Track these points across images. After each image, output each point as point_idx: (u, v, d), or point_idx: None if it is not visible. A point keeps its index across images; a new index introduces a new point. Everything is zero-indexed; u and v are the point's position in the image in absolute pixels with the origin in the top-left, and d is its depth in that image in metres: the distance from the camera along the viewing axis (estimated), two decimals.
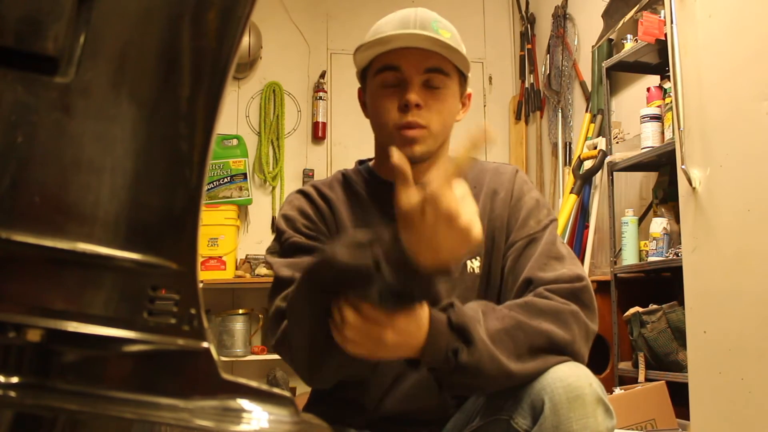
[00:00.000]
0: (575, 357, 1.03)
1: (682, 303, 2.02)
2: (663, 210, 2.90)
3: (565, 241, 3.60)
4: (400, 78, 1.12)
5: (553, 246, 1.16)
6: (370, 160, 1.30)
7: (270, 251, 1.19)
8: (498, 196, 1.22)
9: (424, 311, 0.94)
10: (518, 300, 1.07)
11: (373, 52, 1.13)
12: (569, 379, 0.96)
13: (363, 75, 1.21)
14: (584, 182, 3.63)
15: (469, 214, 0.84)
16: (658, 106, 2.88)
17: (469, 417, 1.12)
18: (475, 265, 1.19)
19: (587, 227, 3.60)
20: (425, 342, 0.93)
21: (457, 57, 1.13)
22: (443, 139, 1.17)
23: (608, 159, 3.22)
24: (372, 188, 1.23)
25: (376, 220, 1.18)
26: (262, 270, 3.99)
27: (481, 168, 1.27)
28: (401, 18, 1.15)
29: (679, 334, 2.57)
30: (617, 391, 2.65)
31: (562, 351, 1.01)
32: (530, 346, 0.99)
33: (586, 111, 3.80)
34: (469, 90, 1.24)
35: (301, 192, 1.23)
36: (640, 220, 3.12)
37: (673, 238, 2.76)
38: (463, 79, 1.19)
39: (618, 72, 3.39)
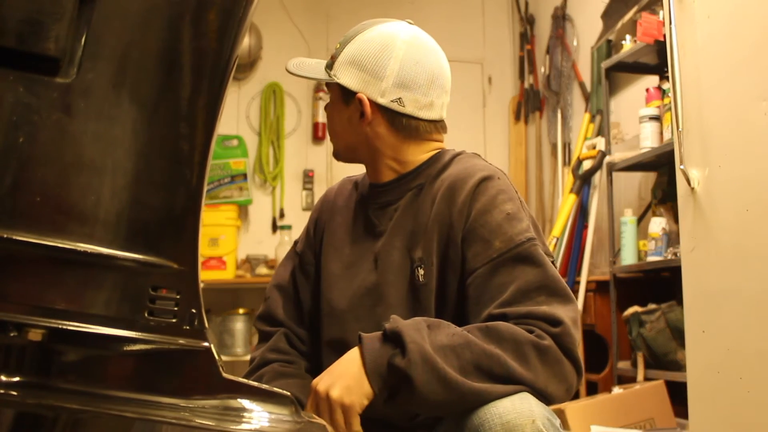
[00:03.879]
0: (537, 396, 0.96)
1: (680, 302, 2.02)
2: (662, 210, 2.90)
3: (564, 241, 3.59)
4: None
5: (535, 277, 1.02)
6: None
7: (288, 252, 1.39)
8: (455, 203, 1.11)
9: (350, 353, 1.00)
10: (480, 324, 1.00)
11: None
12: (509, 416, 0.90)
13: None
14: (583, 182, 3.64)
15: None
16: (657, 107, 2.88)
17: None
18: (420, 273, 1.12)
19: (586, 227, 3.60)
20: (366, 370, 0.97)
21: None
22: (344, 143, 1.24)
23: (607, 159, 3.22)
24: (363, 188, 1.30)
25: (356, 219, 1.26)
26: (262, 270, 4.00)
27: (458, 164, 1.18)
28: None
29: (677, 333, 2.57)
30: (616, 390, 2.65)
31: (517, 384, 0.95)
32: (477, 366, 0.94)
33: (586, 111, 3.81)
34: (359, 94, 1.17)
35: (323, 197, 1.37)
36: (639, 220, 3.12)
37: (672, 238, 2.76)
38: (345, 90, 1.21)
39: (617, 72, 3.39)
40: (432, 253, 1.12)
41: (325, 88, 1.28)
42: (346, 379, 0.96)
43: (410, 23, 1.22)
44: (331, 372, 0.99)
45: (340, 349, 1.06)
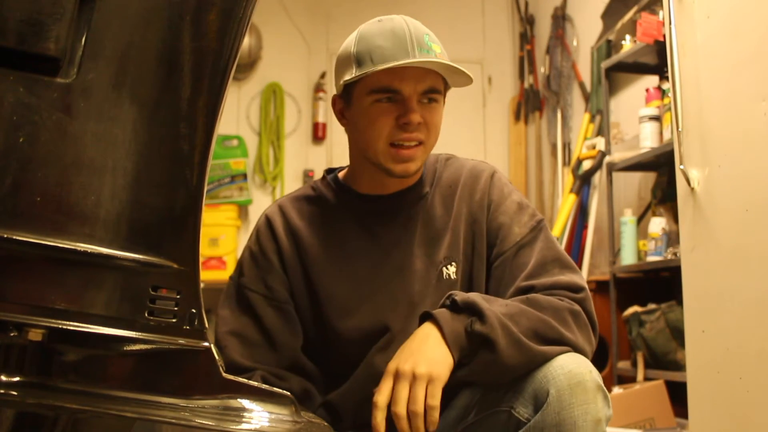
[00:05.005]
0: (581, 352, 1.04)
1: (680, 302, 2.02)
2: (662, 210, 2.90)
3: (564, 241, 3.60)
4: (397, 97, 1.11)
5: (548, 252, 1.13)
6: (337, 169, 1.27)
7: (226, 294, 1.20)
8: (474, 199, 1.19)
9: (422, 328, 1.01)
10: (519, 296, 1.08)
11: (367, 71, 1.09)
12: (570, 365, 0.98)
13: (346, 86, 1.15)
14: (583, 182, 3.64)
15: None
16: (656, 107, 2.88)
17: (463, 413, 1.11)
18: (450, 270, 1.17)
19: (586, 227, 3.61)
20: (447, 340, 0.99)
21: (459, 78, 1.12)
22: (432, 149, 1.18)
23: (607, 159, 3.23)
24: (348, 202, 1.21)
25: (352, 235, 1.19)
26: None
27: (457, 164, 1.24)
28: (395, 35, 1.10)
29: (677, 333, 2.57)
30: (616, 390, 2.65)
31: (565, 345, 1.03)
32: (535, 331, 1.01)
33: (585, 111, 3.81)
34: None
35: (268, 223, 1.22)
36: (639, 220, 3.12)
37: (672, 238, 2.76)
38: (446, 89, 1.18)
39: (617, 72, 3.40)
40: (459, 250, 1.17)
41: (435, 93, 1.14)
42: (427, 353, 0.98)
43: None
44: (409, 350, 1.00)
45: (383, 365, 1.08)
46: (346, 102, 1.17)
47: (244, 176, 4.13)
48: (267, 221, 1.22)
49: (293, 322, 1.17)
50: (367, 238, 1.18)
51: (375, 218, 1.19)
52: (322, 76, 4.40)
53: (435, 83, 1.12)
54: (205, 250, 3.83)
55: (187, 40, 0.68)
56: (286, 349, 1.15)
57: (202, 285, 0.73)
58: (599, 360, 3.14)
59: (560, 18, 4.17)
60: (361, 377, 1.15)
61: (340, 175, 1.25)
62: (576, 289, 1.10)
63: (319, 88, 4.38)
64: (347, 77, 1.12)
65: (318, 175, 4.35)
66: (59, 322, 0.66)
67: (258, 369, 1.12)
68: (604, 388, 0.99)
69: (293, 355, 1.16)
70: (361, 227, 1.19)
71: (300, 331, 1.18)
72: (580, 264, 3.53)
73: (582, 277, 1.14)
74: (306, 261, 1.18)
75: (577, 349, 1.03)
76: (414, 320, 1.11)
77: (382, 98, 1.11)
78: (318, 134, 4.38)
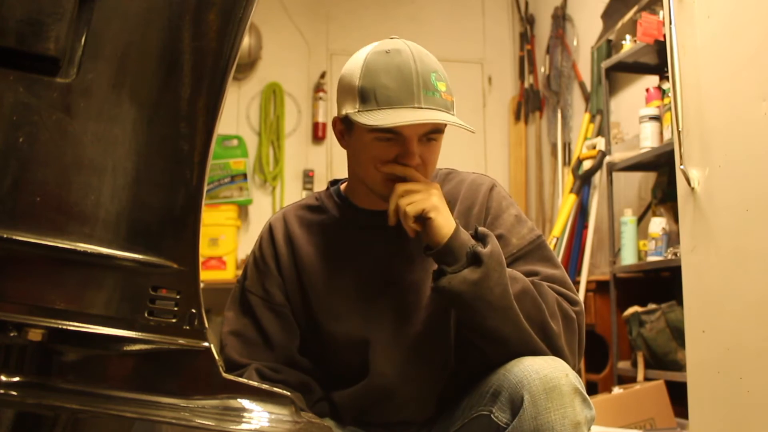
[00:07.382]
0: (560, 352, 1.06)
1: (680, 302, 2.02)
2: (662, 210, 2.90)
3: (564, 241, 3.60)
4: (398, 138, 1.10)
5: (546, 266, 1.14)
6: (341, 181, 1.28)
7: (232, 296, 1.24)
8: (472, 212, 1.20)
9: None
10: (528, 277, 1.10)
11: (368, 123, 1.08)
12: (545, 371, 0.98)
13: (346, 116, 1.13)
14: (583, 182, 3.64)
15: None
16: (657, 107, 2.88)
17: (451, 419, 1.13)
18: None
19: (586, 227, 3.61)
20: (455, 228, 1.05)
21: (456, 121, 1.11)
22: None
23: (607, 159, 3.23)
24: (345, 214, 1.23)
25: (347, 246, 1.20)
26: None
27: (457, 179, 1.24)
28: (401, 74, 1.08)
29: (677, 333, 2.57)
30: (616, 390, 2.65)
31: (549, 335, 1.05)
32: (522, 302, 1.05)
33: (586, 111, 3.81)
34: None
35: (270, 230, 1.25)
36: (639, 220, 3.12)
37: (672, 238, 2.76)
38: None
39: (617, 72, 3.39)
40: None
41: (439, 131, 1.15)
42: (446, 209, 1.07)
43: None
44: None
45: (372, 374, 1.14)
46: (347, 128, 1.16)
47: (244, 176, 4.12)
48: (269, 228, 1.26)
49: (289, 324, 1.20)
50: (361, 249, 1.20)
51: (370, 231, 1.20)
52: (322, 76, 4.40)
53: (437, 125, 1.11)
54: (205, 250, 3.83)
55: (187, 40, 0.68)
56: (282, 349, 1.18)
57: (202, 285, 0.73)
58: (599, 360, 3.14)
59: (560, 18, 4.17)
60: (365, 385, 1.16)
61: (342, 187, 1.27)
62: (573, 302, 1.11)
63: (319, 88, 4.38)
64: (350, 110, 1.10)
65: (318, 175, 4.37)
66: (59, 322, 0.66)
67: (253, 364, 1.15)
68: (582, 391, 0.98)
69: (289, 355, 1.18)
70: (356, 239, 1.21)
71: (296, 333, 1.20)
72: (580, 264, 3.53)
73: (578, 296, 1.16)
74: (301, 267, 1.20)
75: (556, 345, 1.05)
76: (404, 330, 1.14)
77: (383, 137, 1.10)
78: (318, 134, 4.38)
